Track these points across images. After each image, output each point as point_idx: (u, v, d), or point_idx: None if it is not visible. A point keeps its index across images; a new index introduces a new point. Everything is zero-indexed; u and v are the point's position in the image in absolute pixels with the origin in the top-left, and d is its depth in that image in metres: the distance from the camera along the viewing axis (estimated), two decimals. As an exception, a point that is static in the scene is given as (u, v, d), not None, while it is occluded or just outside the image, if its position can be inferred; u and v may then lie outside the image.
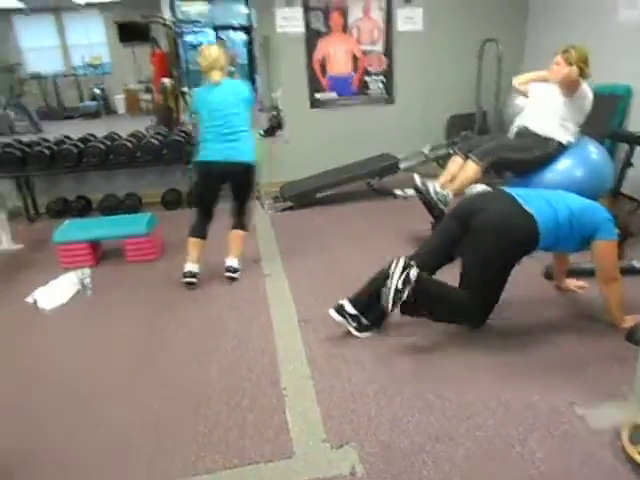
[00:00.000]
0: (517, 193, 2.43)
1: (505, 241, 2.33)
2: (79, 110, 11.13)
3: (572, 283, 2.90)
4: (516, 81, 3.68)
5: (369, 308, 2.51)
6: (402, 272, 2.25)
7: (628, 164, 3.65)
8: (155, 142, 4.78)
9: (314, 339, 2.60)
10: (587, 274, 2.76)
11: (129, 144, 4.76)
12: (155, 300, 3.14)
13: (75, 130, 5.82)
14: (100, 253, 3.83)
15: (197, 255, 3.24)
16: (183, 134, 5.05)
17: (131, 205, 4.87)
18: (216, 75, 3.05)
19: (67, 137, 5.08)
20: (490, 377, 2.22)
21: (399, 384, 2.21)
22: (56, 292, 3.20)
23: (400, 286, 2.23)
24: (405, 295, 2.23)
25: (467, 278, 2.41)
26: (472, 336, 2.53)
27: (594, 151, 3.42)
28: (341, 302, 2.54)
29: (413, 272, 2.26)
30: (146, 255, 3.71)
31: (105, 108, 11.44)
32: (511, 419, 1.97)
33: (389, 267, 2.28)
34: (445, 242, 2.53)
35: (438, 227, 2.69)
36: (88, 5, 10.51)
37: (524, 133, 3.45)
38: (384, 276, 2.33)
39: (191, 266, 3.23)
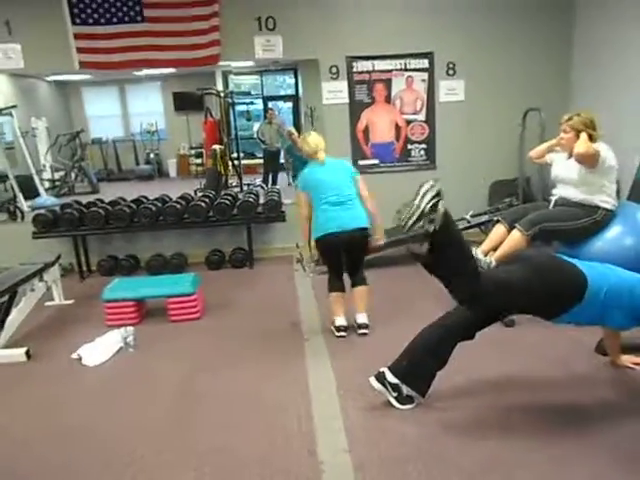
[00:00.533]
0: (565, 257, 2.39)
1: (549, 282, 2.22)
2: (135, 173, 11.84)
3: (629, 360, 2.72)
4: (533, 154, 3.71)
5: (409, 374, 2.43)
6: (434, 197, 2.15)
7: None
8: (202, 204, 4.98)
9: (352, 408, 2.52)
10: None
11: (178, 206, 4.97)
12: (194, 361, 3.15)
13: (130, 191, 6.16)
14: (144, 311, 3.92)
15: (343, 308, 3.39)
16: (230, 197, 5.25)
17: (177, 264, 5.01)
18: (322, 155, 3.37)
19: (121, 198, 5.37)
20: (541, 467, 2.05)
21: (443, 463, 2.08)
22: (100, 349, 3.27)
23: (427, 210, 2.11)
24: (430, 219, 2.10)
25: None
26: (526, 414, 2.38)
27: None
28: (382, 370, 2.48)
29: (442, 203, 2.15)
30: (188, 315, 3.77)
31: (158, 171, 12.11)
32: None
33: (420, 187, 2.17)
34: None
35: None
36: (149, 77, 11.39)
37: (566, 203, 3.38)
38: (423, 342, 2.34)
39: (340, 320, 3.36)
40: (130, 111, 12.86)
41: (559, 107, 5.37)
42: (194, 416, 2.56)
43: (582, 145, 3.12)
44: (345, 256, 3.41)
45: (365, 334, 3.35)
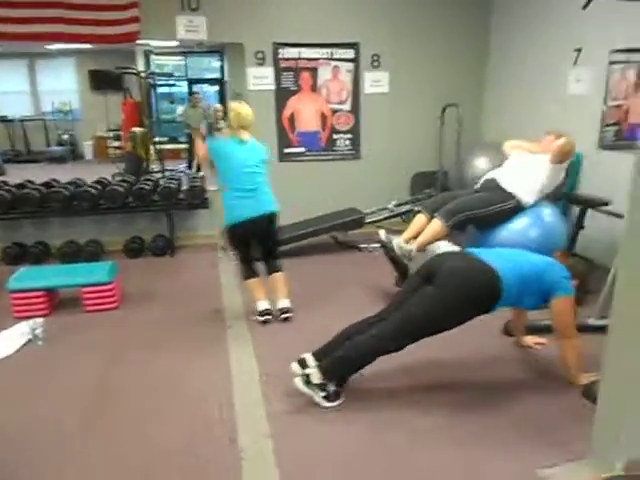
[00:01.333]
0: (478, 252, 2.51)
1: (465, 294, 2.35)
2: (45, 154, 11.03)
3: (531, 340, 2.96)
4: (508, 144, 3.92)
5: (335, 373, 2.41)
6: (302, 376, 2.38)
7: (580, 226, 3.83)
8: (120, 189, 4.75)
9: (274, 394, 2.53)
10: (545, 331, 2.82)
11: (93, 190, 4.70)
12: (109, 352, 3.02)
13: (40, 174, 5.74)
14: (56, 302, 3.69)
15: (263, 292, 3.38)
16: (150, 182, 5.05)
17: (92, 252, 4.74)
18: (245, 134, 3.27)
19: (29, 181, 5.00)
20: (454, 440, 2.19)
21: (361, 446, 2.16)
22: (4, 342, 3.04)
23: (308, 391, 2.37)
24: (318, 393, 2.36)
25: (401, 312, 2.40)
26: (438, 394, 2.52)
27: (548, 212, 3.58)
28: (307, 372, 2.41)
29: (311, 372, 2.36)
30: (105, 305, 3.60)
31: (73, 154, 11.37)
32: (473, 481, 1.94)
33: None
34: (408, 298, 2.53)
35: (403, 286, 2.70)
36: (62, 52, 10.61)
37: (488, 186, 3.62)
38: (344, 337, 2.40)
39: (263, 304, 3.35)
40: (40, 88, 11.92)
41: (475, 102, 5.69)
42: (110, 409, 2.46)
43: (564, 139, 3.46)
44: (258, 243, 3.41)
45: (288, 318, 3.37)
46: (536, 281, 2.42)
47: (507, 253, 2.54)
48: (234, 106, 3.32)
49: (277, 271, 3.45)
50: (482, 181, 3.75)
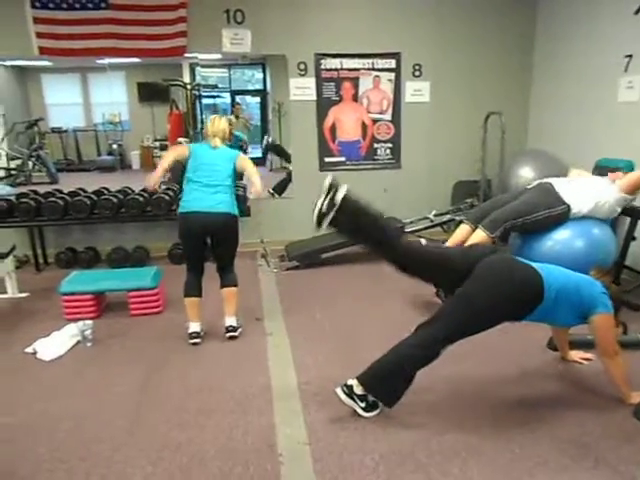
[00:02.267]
0: (520, 258, 2.47)
1: (506, 289, 2.28)
2: (96, 163, 11.49)
3: (577, 355, 2.86)
4: (575, 172, 3.83)
5: (377, 388, 2.37)
6: (327, 194, 2.26)
7: (631, 237, 3.68)
8: (166, 197, 4.89)
9: (313, 402, 2.54)
10: (591, 346, 2.72)
11: (140, 198, 4.87)
12: (154, 356, 3.11)
13: (91, 182, 6.00)
14: (104, 305, 3.84)
15: (197, 314, 3.26)
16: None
17: (139, 258, 4.92)
18: (217, 142, 3.28)
19: (81, 189, 5.22)
20: (495, 454, 2.14)
21: (400, 456, 2.14)
22: (56, 343, 3.18)
23: (325, 209, 2.26)
24: (329, 218, 2.27)
25: (438, 315, 2.35)
26: (480, 408, 2.47)
27: (597, 223, 3.45)
28: (350, 382, 2.38)
29: (339, 195, 2.28)
30: (150, 309, 3.72)
31: (121, 163, 11.81)
32: (515, 499, 1.89)
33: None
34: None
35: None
36: (112, 66, 11.08)
37: (541, 188, 3.50)
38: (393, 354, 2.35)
39: (194, 326, 3.25)
40: (92, 100, 12.47)
41: (519, 111, 5.57)
42: (152, 412, 2.53)
43: None
44: (212, 248, 3.28)
45: (234, 337, 3.27)
46: (574, 295, 2.34)
47: (544, 265, 2.46)
48: (212, 116, 3.42)
49: (229, 285, 3.30)
50: (536, 183, 3.62)
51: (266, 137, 7.67)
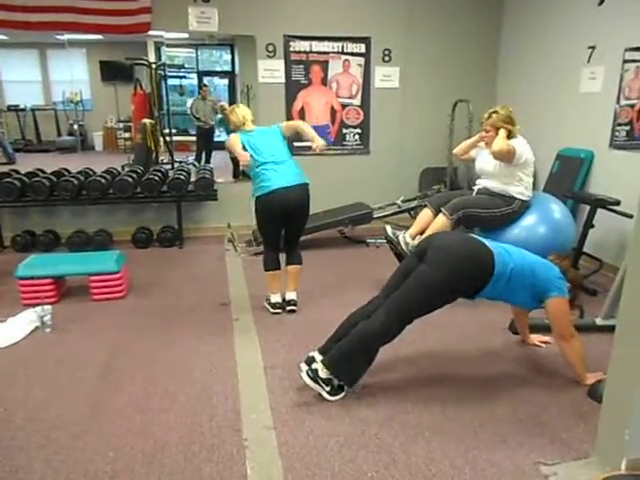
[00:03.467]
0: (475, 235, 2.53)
1: (458, 261, 2.32)
2: (56, 144, 11.09)
3: (537, 338, 2.95)
4: (458, 151, 3.87)
5: (341, 369, 2.39)
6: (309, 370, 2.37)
7: (590, 225, 3.80)
8: (129, 180, 4.77)
9: (279, 386, 2.54)
10: (550, 330, 2.81)
11: (103, 180, 4.73)
12: (116, 341, 3.04)
13: (50, 164, 5.78)
14: (64, 290, 3.72)
15: (279, 285, 3.44)
16: (159, 173, 5.06)
17: (101, 242, 4.79)
18: (250, 125, 3.36)
19: (40, 170, 5.03)
20: (457, 432, 2.20)
21: (365, 437, 2.16)
22: (13, 329, 3.08)
23: (314, 385, 2.38)
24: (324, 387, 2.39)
25: (395, 294, 2.38)
26: (443, 389, 2.52)
27: (557, 210, 3.56)
28: (314, 367, 2.40)
29: (318, 367, 2.38)
30: (112, 294, 3.63)
31: (83, 144, 11.42)
32: (476, 478, 1.93)
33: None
34: (402, 275, 2.47)
35: (398, 267, 2.66)
36: (73, 43, 10.64)
37: (487, 192, 3.59)
38: (350, 323, 2.37)
39: (276, 297, 3.44)
40: (52, 78, 11.98)
41: (486, 99, 5.63)
42: (114, 397, 2.47)
43: (498, 143, 3.34)
44: (285, 223, 3.34)
45: (294, 311, 3.42)
46: (529, 276, 2.39)
47: (503, 245, 2.51)
48: (231, 107, 3.52)
49: (295, 263, 3.48)
50: (476, 189, 3.70)
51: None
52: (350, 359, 2.38)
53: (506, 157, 3.38)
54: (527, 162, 3.46)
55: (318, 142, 3.32)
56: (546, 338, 2.92)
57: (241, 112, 3.38)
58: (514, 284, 2.37)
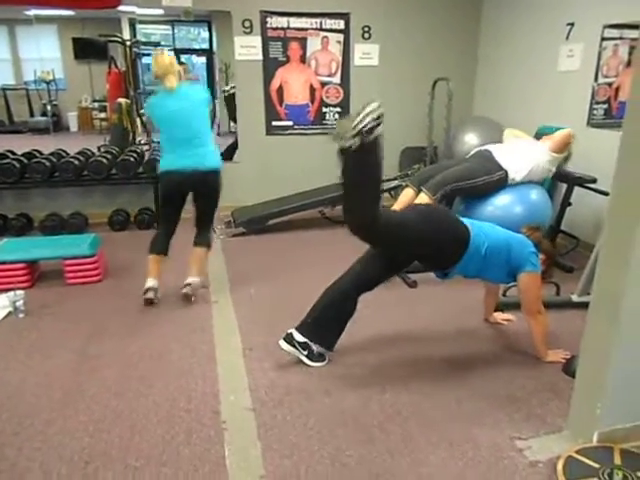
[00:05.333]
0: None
1: (435, 224, 2.37)
2: (28, 125, 10.76)
3: (499, 316, 2.98)
4: (509, 133, 3.99)
5: (316, 332, 2.48)
6: (374, 119, 2.12)
7: (567, 203, 3.84)
8: (104, 161, 4.65)
9: (258, 368, 2.53)
10: (514, 307, 2.86)
11: (76, 162, 4.61)
12: (92, 325, 2.99)
13: (23, 145, 5.61)
14: (37, 275, 3.64)
15: (156, 271, 3.20)
16: (135, 154, 4.95)
17: (76, 225, 4.68)
18: (171, 80, 2.95)
19: (10, 151, 4.88)
20: (434, 410, 2.22)
21: (343, 417, 2.17)
22: (-15, 315, 3.01)
23: (292, 349, 2.47)
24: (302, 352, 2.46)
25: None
26: (420, 368, 2.54)
27: (534, 189, 3.58)
28: (290, 331, 2.50)
29: (293, 331, 2.47)
30: (87, 277, 3.56)
31: (57, 125, 11.10)
32: (453, 454, 1.96)
33: (365, 105, 2.08)
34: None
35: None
36: (42, 19, 10.26)
37: (480, 156, 3.62)
38: (327, 299, 2.44)
39: (151, 281, 3.17)
40: (22, 56, 11.56)
41: (466, 77, 5.61)
42: (90, 382, 2.44)
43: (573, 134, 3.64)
44: (193, 204, 3.18)
45: (188, 296, 3.21)
46: (504, 252, 2.41)
47: (479, 223, 2.53)
48: (153, 55, 3.13)
49: (200, 245, 3.24)
50: (475, 150, 3.75)
51: (230, 85, 7.25)
52: (322, 321, 2.47)
53: (567, 144, 3.62)
54: (552, 169, 3.67)
55: None
56: (508, 316, 2.96)
57: (163, 60, 2.93)
58: (489, 261, 2.39)
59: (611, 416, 1.92)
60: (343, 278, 2.54)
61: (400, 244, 2.38)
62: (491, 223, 2.56)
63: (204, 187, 3.10)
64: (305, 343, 2.47)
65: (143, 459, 1.94)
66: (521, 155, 3.55)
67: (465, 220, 2.46)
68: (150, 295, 3.16)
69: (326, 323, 2.50)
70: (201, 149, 3.05)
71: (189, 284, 3.23)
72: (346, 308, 2.48)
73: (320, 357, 2.51)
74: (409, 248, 2.40)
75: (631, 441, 1.94)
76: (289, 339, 2.48)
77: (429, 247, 2.36)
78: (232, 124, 7.03)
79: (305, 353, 2.47)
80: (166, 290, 3.40)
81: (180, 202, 3.17)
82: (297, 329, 2.49)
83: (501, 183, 3.50)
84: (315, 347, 2.49)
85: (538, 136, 4.38)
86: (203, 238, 3.26)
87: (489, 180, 3.48)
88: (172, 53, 3.14)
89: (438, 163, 4.08)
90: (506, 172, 3.49)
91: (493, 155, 3.56)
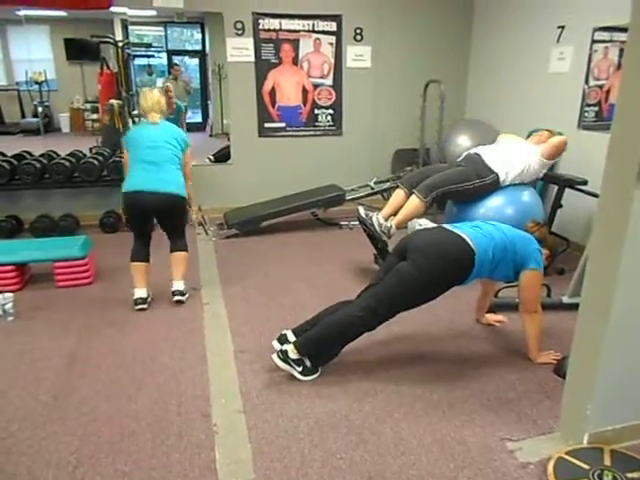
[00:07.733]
0: (453, 225, 2.51)
1: (437, 266, 2.33)
2: (20, 126, 10.68)
3: (491, 317, 2.99)
4: (503, 138, 3.99)
5: (315, 353, 2.42)
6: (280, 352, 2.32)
7: (558, 205, 3.85)
8: (95, 162, 4.62)
9: (249, 370, 2.52)
10: (506, 308, 2.85)
11: (67, 163, 4.58)
12: (82, 328, 2.97)
13: (14, 146, 5.56)
14: (27, 277, 3.61)
15: (143, 279, 3.20)
16: (126, 156, 4.91)
17: (67, 227, 4.65)
18: (154, 117, 3.12)
19: (0, 153, 4.84)
20: (426, 412, 2.22)
21: (335, 419, 2.16)
22: (-27, 318, 2.98)
23: (286, 366, 2.38)
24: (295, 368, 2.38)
25: (377, 289, 2.41)
26: (412, 369, 2.54)
27: (526, 191, 3.59)
28: (284, 348, 2.41)
29: (288, 349, 2.38)
30: (78, 280, 3.54)
31: (48, 126, 11.02)
32: (444, 456, 1.96)
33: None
34: (385, 274, 2.48)
35: (380, 266, 2.69)
36: (34, 19, 10.20)
37: (471, 160, 3.62)
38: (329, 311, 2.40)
39: (140, 292, 3.18)
40: (13, 57, 11.47)
41: (458, 79, 5.63)
42: (80, 385, 2.42)
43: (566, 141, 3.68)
44: (159, 222, 3.24)
45: (182, 302, 3.26)
46: (510, 251, 2.42)
47: (482, 225, 2.53)
48: (143, 90, 3.26)
49: (177, 250, 3.28)
50: (465, 155, 3.75)
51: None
52: (321, 344, 2.40)
53: (558, 152, 3.65)
54: (541, 173, 3.68)
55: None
56: (500, 317, 2.96)
57: (152, 98, 3.11)
58: (498, 261, 2.41)
59: (601, 417, 1.93)
60: (355, 311, 2.40)
61: (410, 302, 2.43)
62: (494, 221, 2.58)
63: (166, 208, 3.12)
64: (300, 360, 2.39)
65: (132, 463, 1.92)
66: (512, 157, 3.55)
67: (466, 227, 2.46)
68: (142, 306, 3.18)
69: (329, 350, 2.45)
70: (166, 175, 3.08)
71: (178, 291, 3.25)
72: (349, 341, 2.44)
73: (313, 370, 2.43)
74: (422, 297, 2.42)
75: (621, 442, 1.95)
76: (284, 356, 2.39)
77: (442, 286, 2.40)
78: (224, 123, 7.01)
79: (299, 370, 2.40)
80: (156, 292, 3.38)
81: (146, 220, 3.21)
82: (294, 344, 2.39)
83: (492, 186, 3.50)
84: (308, 362, 2.41)
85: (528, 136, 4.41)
86: (178, 245, 3.29)
87: (481, 184, 3.48)
88: (158, 91, 3.20)
89: (430, 166, 4.09)
90: (497, 175, 3.49)
91: (483, 159, 3.56)
